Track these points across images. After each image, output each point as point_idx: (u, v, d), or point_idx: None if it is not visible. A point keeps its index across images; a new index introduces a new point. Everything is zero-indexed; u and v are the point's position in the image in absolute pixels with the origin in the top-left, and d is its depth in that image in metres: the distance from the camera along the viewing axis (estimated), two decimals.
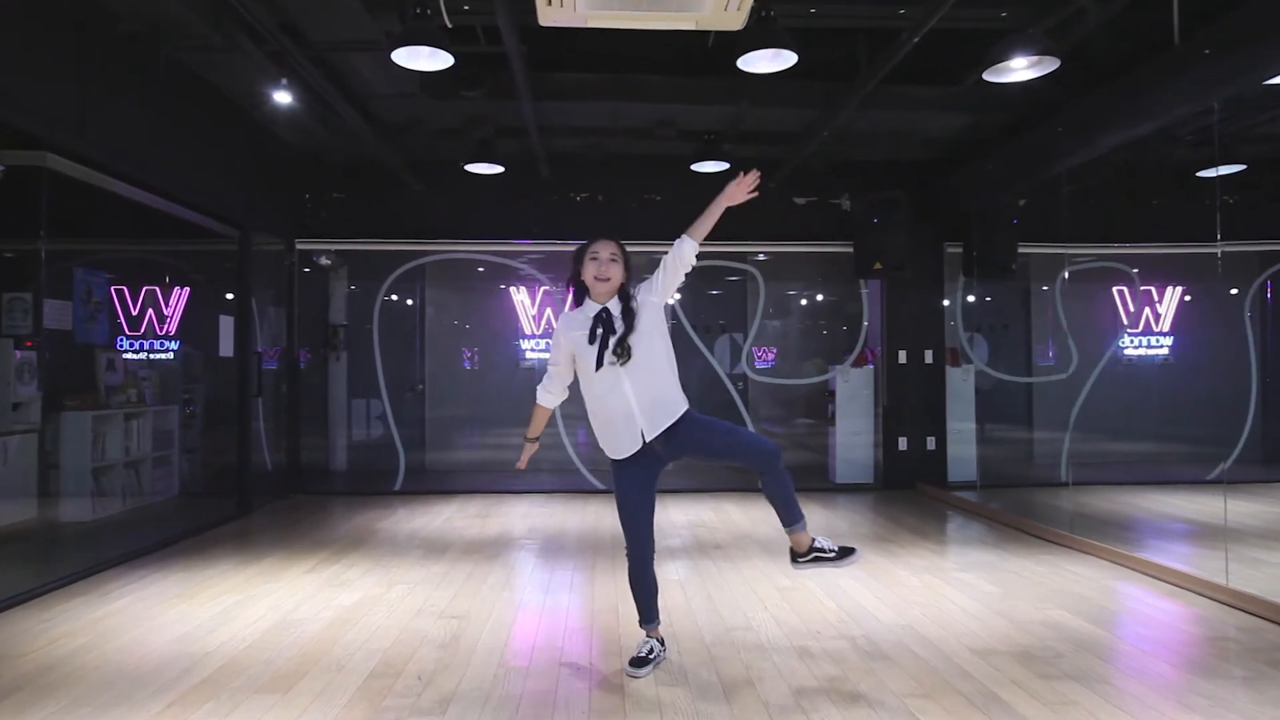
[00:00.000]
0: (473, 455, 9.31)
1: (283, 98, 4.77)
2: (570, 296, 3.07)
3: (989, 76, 4.35)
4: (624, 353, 2.88)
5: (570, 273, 3.03)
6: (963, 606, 3.89)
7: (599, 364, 2.90)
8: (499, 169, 6.55)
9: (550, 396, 3.16)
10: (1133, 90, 4.53)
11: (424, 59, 4.22)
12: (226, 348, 6.34)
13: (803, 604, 3.96)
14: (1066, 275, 6.63)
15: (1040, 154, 5.54)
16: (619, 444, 2.97)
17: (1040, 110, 5.57)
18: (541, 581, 4.43)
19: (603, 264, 2.93)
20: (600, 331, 2.91)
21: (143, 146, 5.14)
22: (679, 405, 2.99)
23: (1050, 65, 4.15)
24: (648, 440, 2.93)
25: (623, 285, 2.99)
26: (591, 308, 2.96)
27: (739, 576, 4.50)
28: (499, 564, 4.81)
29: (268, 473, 7.22)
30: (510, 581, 4.41)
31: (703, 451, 3.07)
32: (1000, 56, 4.12)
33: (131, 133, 5.02)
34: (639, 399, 2.93)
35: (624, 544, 3.10)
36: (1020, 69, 4.22)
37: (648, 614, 3.13)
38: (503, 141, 6.56)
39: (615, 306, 2.95)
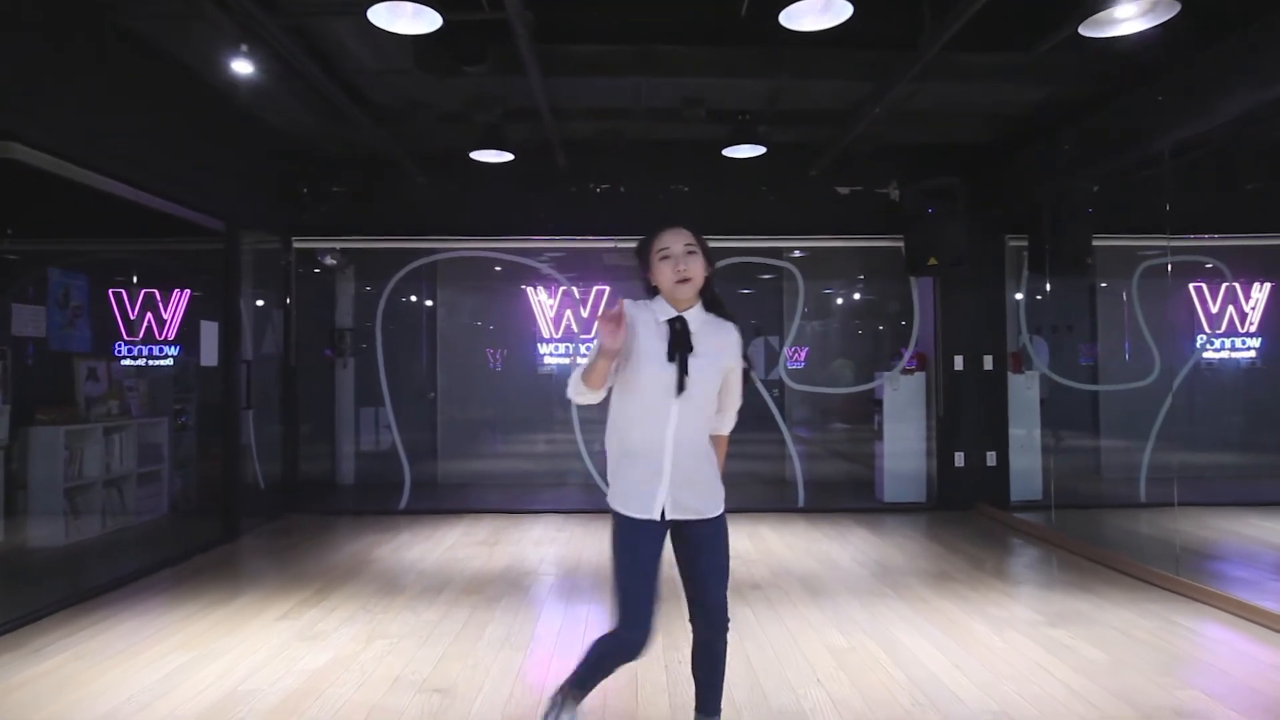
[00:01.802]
0: (486, 467, 8.70)
1: (248, 71, 4.14)
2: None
3: (1087, 31, 3.58)
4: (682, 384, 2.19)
5: (641, 281, 2.34)
6: (1065, 681, 3.13)
7: (669, 387, 2.20)
8: (508, 156, 5.89)
9: (595, 395, 2.26)
10: (1264, 43, 3.72)
11: (407, 19, 3.57)
12: (209, 356, 5.76)
13: (863, 674, 3.24)
14: (1169, 266, 5.77)
15: (1133, 128, 4.73)
16: (633, 500, 2.22)
17: (1133, 77, 4.76)
18: (549, 634, 3.76)
19: (679, 259, 2.21)
20: (678, 348, 2.20)
21: (105, 130, 4.57)
22: (718, 503, 2.29)
23: (1167, 11, 3.37)
24: (666, 517, 2.21)
25: (708, 287, 2.29)
26: (664, 309, 2.25)
27: (783, 630, 3.79)
28: (501, 609, 4.14)
29: (261, 491, 6.66)
30: (512, 635, 3.74)
31: (689, 557, 2.28)
32: (1103, 2, 3.36)
33: (90, 115, 4.45)
34: (677, 459, 2.21)
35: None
36: (1129, 18, 3.44)
37: (587, 689, 2.31)
38: (512, 127, 5.89)
39: (696, 318, 2.26)
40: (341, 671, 3.27)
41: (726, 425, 2.39)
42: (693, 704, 2.37)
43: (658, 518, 2.19)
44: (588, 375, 2.17)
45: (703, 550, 2.25)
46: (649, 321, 2.24)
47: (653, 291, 2.31)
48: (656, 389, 2.19)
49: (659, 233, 2.28)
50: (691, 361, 2.19)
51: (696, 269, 2.23)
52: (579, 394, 2.23)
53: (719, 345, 2.25)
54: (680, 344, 2.19)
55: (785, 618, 3.98)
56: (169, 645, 3.58)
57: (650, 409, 2.20)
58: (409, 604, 4.23)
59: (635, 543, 2.20)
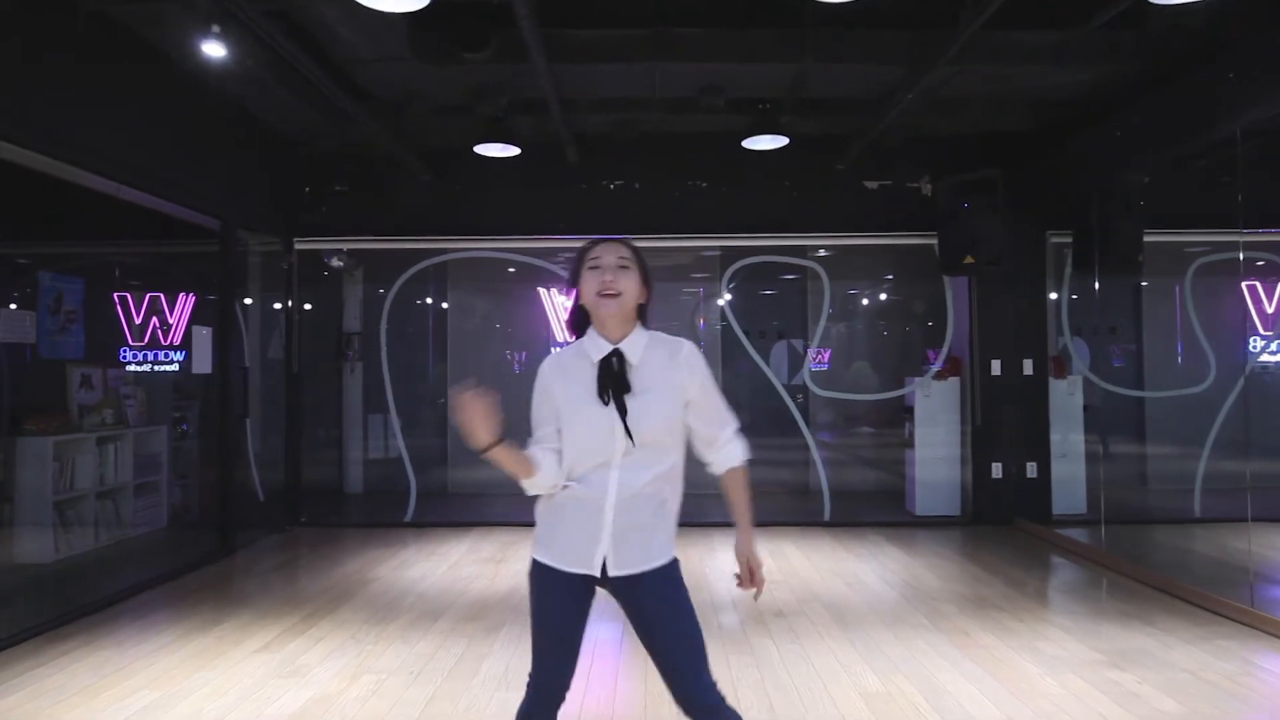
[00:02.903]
0: (498, 475, 8.33)
1: (221, 54, 3.83)
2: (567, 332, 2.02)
3: None
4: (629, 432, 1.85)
5: (571, 297, 1.96)
6: None
7: (609, 430, 1.85)
8: (515, 151, 5.57)
9: (542, 478, 1.89)
10: None
11: None
12: (203, 362, 5.49)
13: None
14: (1241, 262, 5.26)
15: (1200, 111, 4.29)
16: (562, 549, 1.87)
17: (1199, 52, 4.31)
18: None
19: (607, 271, 1.86)
20: (612, 387, 1.84)
21: (91, 126, 4.31)
22: (668, 546, 1.90)
23: None
24: (608, 574, 1.85)
25: (643, 311, 1.92)
26: (596, 346, 1.89)
27: (809, 669, 3.41)
28: (500, 641, 3.80)
29: (261, 503, 6.39)
30: (510, 672, 3.40)
31: (646, 626, 1.87)
32: None
33: (74, 110, 4.20)
34: (619, 509, 1.84)
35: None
36: None
37: None
38: (519, 119, 5.57)
39: (636, 349, 1.89)
40: (319, 715, 2.95)
41: (730, 456, 1.95)
42: None
43: (596, 573, 1.84)
44: (517, 475, 1.88)
45: (659, 613, 1.84)
46: (576, 366, 1.89)
47: (582, 326, 1.94)
48: (592, 434, 1.84)
49: (591, 244, 1.93)
50: (630, 402, 1.83)
51: (628, 284, 1.86)
52: (533, 488, 1.90)
53: (667, 371, 1.87)
54: (614, 383, 1.84)
55: (812, 654, 3.60)
56: (137, 681, 3.28)
57: (588, 455, 1.85)
58: (402, 633, 3.91)
59: (561, 599, 1.86)
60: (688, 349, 1.91)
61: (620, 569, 1.83)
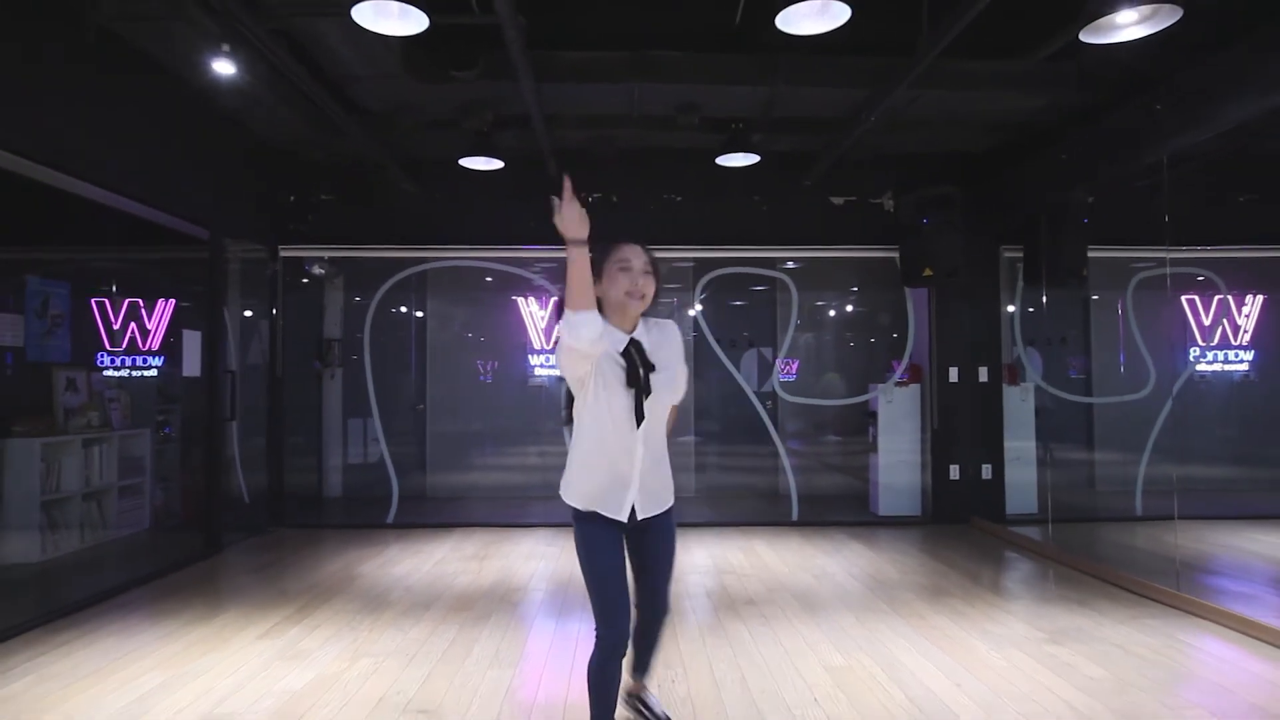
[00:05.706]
0: (476, 479, 8.58)
1: (231, 72, 4.04)
2: None
3: (1088, 36, 3.54)
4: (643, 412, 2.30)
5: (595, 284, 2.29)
6: (1068, 701, 3.04)
7: (638, 417, 2.26)
8: (498, 164, 5.82)
9: (594, 321, 2.05)
10: (1266, 51, 3.69)
11: (394, 19, 3.49)
12: (191, 366, 5.63)
13: (862, 694, 3.14)
14: (1168, 278, 5.72)
15: (1132, 138, 4.70)
16: (605, 500, 2.29)
17: (1133, 85, 4.73)
18: (539, 652, 3.65)
19: (637, 276, 2.21)
20: (640, 371, 2.24)
21: (85, 134, 4.46)
22: (672, 487, 2.47)
23: (1169, 18, 3.34)
24: (638, 518, 2.33)
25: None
26: (615, 338, 2.22)
27: (779, 649, 3.69)
28: (490, 627, 4.02)
29: (245, 504, 6.51)
30: (500, 653, 3.63)
31: (644, 556, 2.41)
32: (1105, 7, 3.32)
33: (68, 118, 4.35)
34: (644, 465, 2.31)
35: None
36: (1130, 24, 3.41)
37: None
38: (503, 134, 5.83)
39: (642, 333, 2.31)
40: (324, 692, 3.15)
41: (677, 399, 2.43)
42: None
43: (625, 519, 2.27)
44: (572, 295, 2.02)
45: (660, 540, 2.37)
46: (611, 343, 2.28)
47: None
48: (623, 415, 2.24)
49: (618, 245, 2.27)
50: (653, 379, 2.26)
51: (650, 290, 2.26)
52: (573, 331, 2.01)
53: (669, 351, 2.33)
54: (641, 369, 2.23)
55: (781, 634, 3.88)
56: (144, 666, 3.45)
57: (618, 432, 2.24)
58: (395, 621, 4.11)
59: (607, 541, 2.27)
60: (674, 328, 2.38)
61: (645, 513, 2.31)
